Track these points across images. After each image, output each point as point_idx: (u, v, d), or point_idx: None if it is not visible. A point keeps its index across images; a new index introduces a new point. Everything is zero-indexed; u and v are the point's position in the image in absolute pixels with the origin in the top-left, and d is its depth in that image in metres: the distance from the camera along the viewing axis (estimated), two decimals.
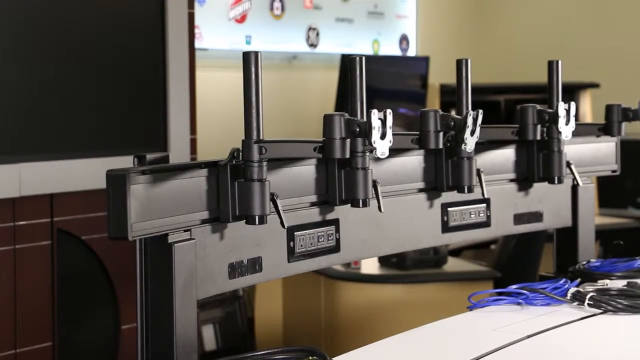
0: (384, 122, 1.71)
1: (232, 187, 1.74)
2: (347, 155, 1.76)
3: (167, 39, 3.71)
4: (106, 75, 3.53)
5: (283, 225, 1.80)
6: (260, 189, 1.72)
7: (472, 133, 2.06)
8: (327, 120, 1.73)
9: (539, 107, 2.40)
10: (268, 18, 5.31)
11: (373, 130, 1.70)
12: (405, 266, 3.97)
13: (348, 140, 1.74)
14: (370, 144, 1.72)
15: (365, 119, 1.75)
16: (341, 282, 4.00)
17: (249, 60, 1.71)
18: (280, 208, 1.78)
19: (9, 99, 3.39)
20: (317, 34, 5.59)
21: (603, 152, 2.69)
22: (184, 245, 1.67)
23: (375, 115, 1.70)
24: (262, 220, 1.74)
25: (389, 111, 1.72)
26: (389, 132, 1.71)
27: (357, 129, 1.73)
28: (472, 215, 2.35)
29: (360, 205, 1.92)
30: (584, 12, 6.47)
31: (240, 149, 1.73)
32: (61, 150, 3.31)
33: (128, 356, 3.49)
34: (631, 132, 3.11)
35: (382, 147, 1.71)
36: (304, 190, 1.92)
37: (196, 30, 4.20)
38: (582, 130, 2.52)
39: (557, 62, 2.43)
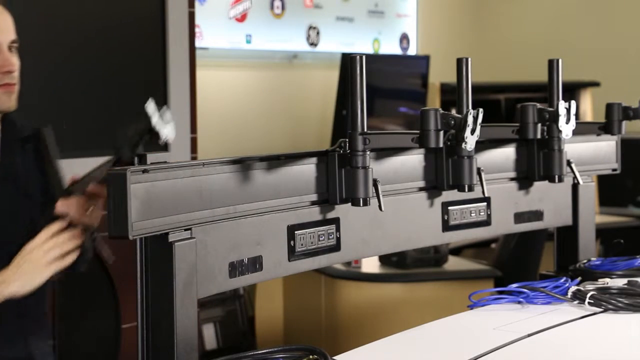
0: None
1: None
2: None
3: (167, 38, 3.71)
4: (106, 74, 3.53)
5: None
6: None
7: (473, 132, 2.06)
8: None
9: (539, 105, 2.40)
10: (268, 17, 5.31)
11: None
12: (405, 265, 3.97)
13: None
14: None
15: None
16: (342, 281, 4.00)
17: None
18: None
19: None
20: (318, 33, 5.58)
21: (603, 150, 2.68)
22: (185, 244, 1.66)
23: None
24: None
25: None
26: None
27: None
28: (472, 214, 2.35)
29: (361, 204, 1.92)
30: (584, 11, 6.46)
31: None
32: (60, 149, 3.31)
33: (128, 355, 3.49)
34: (631, 131, 3.10)
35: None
36: (305, 188, 1.92)
37: (196, 29, 4.20)
38: (582, 129, 2.52)
39: (558, 60, 2.43)
